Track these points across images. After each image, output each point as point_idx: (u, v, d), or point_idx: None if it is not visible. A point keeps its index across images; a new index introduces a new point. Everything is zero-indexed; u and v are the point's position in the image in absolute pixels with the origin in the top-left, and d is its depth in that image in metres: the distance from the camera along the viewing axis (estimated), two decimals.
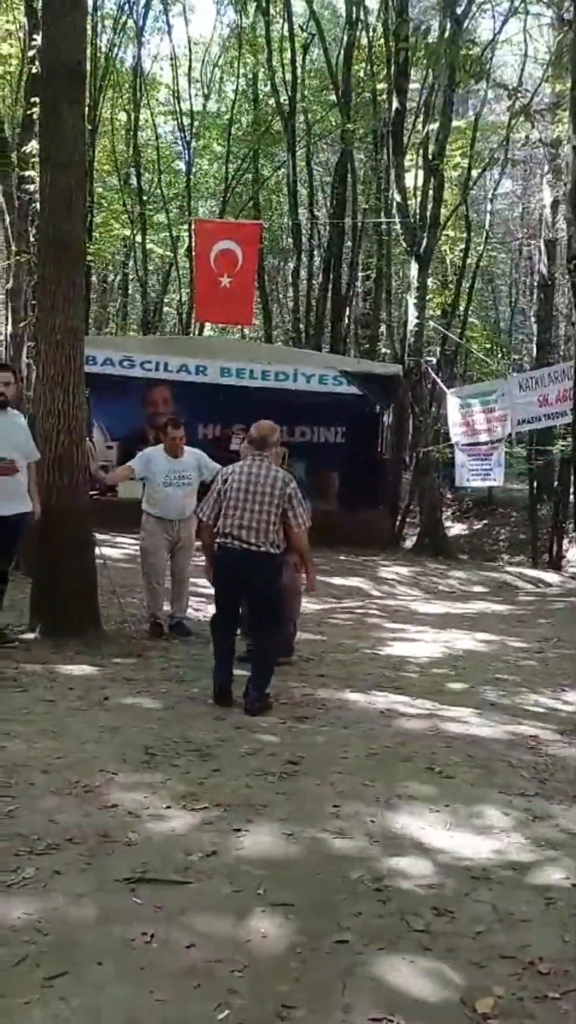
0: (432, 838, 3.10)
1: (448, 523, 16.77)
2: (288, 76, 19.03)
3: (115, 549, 9.24)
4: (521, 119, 13.41)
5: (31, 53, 10.85)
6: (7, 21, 15.65)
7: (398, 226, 14.61)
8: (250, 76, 21.62)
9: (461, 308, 19.19)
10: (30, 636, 5.78)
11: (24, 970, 2.21)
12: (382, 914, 2.56)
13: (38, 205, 6.58)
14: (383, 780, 3.63)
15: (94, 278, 23.88)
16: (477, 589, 10.84)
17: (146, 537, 6.46)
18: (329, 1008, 2.13)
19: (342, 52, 18.62)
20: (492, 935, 2.48)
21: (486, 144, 19.07)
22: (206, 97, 22.73)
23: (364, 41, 18.43)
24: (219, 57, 22.50)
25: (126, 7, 19.54)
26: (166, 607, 6.58)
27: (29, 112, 11.14)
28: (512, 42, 17.77)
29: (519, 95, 13.04)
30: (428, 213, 14.43)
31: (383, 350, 22.69)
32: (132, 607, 6.90)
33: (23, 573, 6.40)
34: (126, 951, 2.31)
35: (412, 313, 14.15)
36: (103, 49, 19.02)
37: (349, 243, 21.07)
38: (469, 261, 18.87)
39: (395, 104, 14.14)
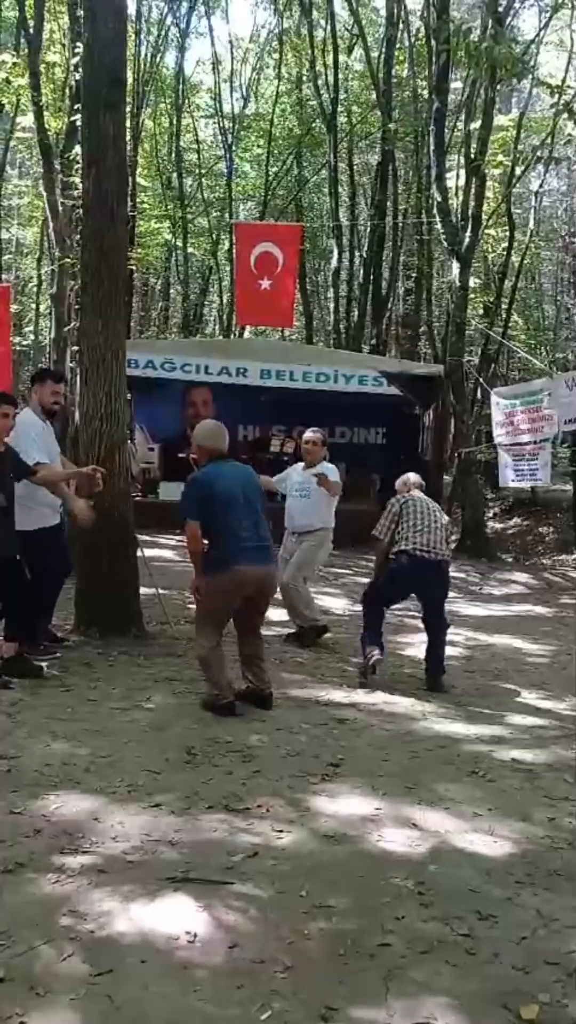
0: (475, 842, 3.08)
1: (489, 524, 16.56)
2: (330, 78, 19.03)
3: (155, 550, 9.28)
4: (564, 117, 13.18)
5: (74, 60, 11.01)
6: (52, 30, 15.89)
7: (439, 225, 14.49)
8: (291, 78, 21.67)
9: (504, 307, 18.98)
10: (75, 637, 5.85)
11: (70, 967, 2.24)
12: (425, 918, 2.55)
13: (81, 211, 6.67)
14: (425, 783, 3.61)
15: (136, 282, 24.10)
16: (519, 591, 10.71)
17: None
18: (372, 1011, 2.12)
19: (383, 51, 18.57)
20: (536, 941, 2.46)
21: (530, 141, 18.84)
22: (245, 100, 22.85)
23: (405, 40, 18.38)
24: (258, 59, 22.62)
25: (169, 13, 19.75)
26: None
27: (73, 119, 11.32)
28: (557, 40, 17.55)
29: (563, 92, 12.83)
30: (470, 212, 14.30)
31: (424, 350, 22.56)
32: (172, 607, 6.94)
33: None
34: (169, 950, 2.33)
35: (453, 313, 14.03)
36: (147, 54, 19.23)
37: (390, 243, 20.99)
38: (512, 259, 18.65)
39: (436, 103, 14.04)
